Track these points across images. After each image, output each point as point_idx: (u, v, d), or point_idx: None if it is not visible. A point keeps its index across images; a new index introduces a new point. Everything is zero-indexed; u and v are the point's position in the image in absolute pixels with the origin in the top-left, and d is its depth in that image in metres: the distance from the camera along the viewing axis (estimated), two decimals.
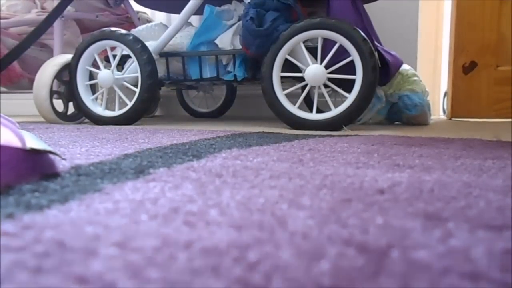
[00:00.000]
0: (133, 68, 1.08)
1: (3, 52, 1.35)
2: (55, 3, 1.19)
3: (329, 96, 0.93)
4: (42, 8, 1.46)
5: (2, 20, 1.39)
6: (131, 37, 1.06)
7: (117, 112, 1.08)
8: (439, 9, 1.62)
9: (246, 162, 0.44)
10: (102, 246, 0.20)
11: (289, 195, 0.30)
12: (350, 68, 0.89)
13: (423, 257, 0.19)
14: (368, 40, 0.88)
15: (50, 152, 0.37)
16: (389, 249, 0.20)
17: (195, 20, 1.52)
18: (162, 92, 1.66)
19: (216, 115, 1.57)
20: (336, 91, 0.92)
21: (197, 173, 0.38)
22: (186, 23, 1.13)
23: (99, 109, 1.11)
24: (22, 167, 0.34)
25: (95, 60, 1.11)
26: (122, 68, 1.13)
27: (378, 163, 0.44)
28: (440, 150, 0.55)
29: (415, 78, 1.14)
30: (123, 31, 1.08)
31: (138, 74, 1.06)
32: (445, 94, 1.58)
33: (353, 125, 0.97)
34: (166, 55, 1.12)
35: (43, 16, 1.23)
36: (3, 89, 1.59)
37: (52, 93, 1.15)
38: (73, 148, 0.55)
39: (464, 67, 1.49)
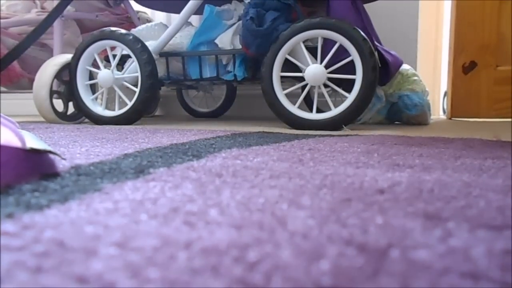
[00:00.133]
0: (133, 68, 1.08)
1: (3, 52, 1.35)
2: (55, 3, 1.19)
3: (329, 96, 0.93)
4: (42, 8, 1.46)
5: (2, 20, 1.39)
6: (131, 37, 1.06)
7: (117, 112, 1.08)
8: (439, 9, 1.62)
9: (246, 162, 0.44)
10: (102, 246, 0.20)
11: (289, 195, 0.30)
12: (350, 68, 0.89)
13: (423, 257, 0.19)
14: (368, 40, 0.88)
15: (50, 152, 0.37)
16: (389, 249, 0.20)
17: (195, 20, 1.52)
18: (162, 92, 1.66)
19: (216, 115, 1.57)
20: (336, 91, 0.92)
21: (197, 173, 0.38)
22: (186, 23, 1.13)
23: (99, 109, 1.11)
24: (22, 167, 0.34)
25: (95, 60, 1.11)
26: (122, 68, 1.13)
27: (378, 163, 0.44)
28: (440, 149, 0.55)
29: (415, 78, 1.14)
30: (123, 31, 1.08)
31: (138, 74, 1.06)
32: (445, 94, 1.58)
33: (353, 124, 0.97)
34: (166, 55, 1.12)
35: (43, 16, 1.23)
36: (3, 89, 1.59)
37: (52, 93, 1.15)
38: (73, 148, 0.55)
39: (464, 67, 1.49)
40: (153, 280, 0.16)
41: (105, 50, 1.10)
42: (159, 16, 1.72)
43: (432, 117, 1.27)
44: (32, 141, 0.36)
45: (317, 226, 0.23)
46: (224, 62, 1.11)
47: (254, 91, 1.51)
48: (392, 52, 1.05)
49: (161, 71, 1.13)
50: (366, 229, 0.23)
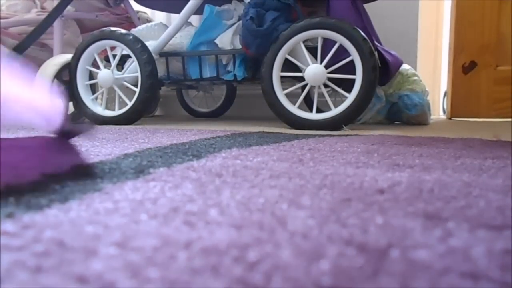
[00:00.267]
0: (133, 68, 1.08)
1: None
2: (55, 3, 1.19)
3: (329, 95, 0.93)
4: (42, 8, 1.46)
5: (2, 20, 1.39)
6: (131, 37, 1.06)
7: (117, 112, 1.08)
8: (439, 9, 1.62)
9: (246, 161, 0.44)
10: (102, 245, 0.20)
11: (289, 195, 0.30)
12: (350, 67, 0.89)
13: (423, 257, 0.19)
14: (368, 40, 0.88)
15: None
16: (389, 248, 0.20)
17: (195, 20, 1.52)
18: (162, 92, 1.66)
19: (216, 115, 1.57)
20: (336, 90, 0.92)
21: (197, 173, 0.38)
22: (186, 22, 1.13)
23: (99, 109, 1.11)
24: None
25: (95, 60, 1.11)
26: (122, 68, 1.13)
27: (378, 163, 0.44)
28: (440, 149, 0.55)
29: (415, 77, 1.14)
30: (123, 30, 1.08)
31: (138, 74, 1.06)
32: (445, 94, 1.58)
33: (353, 124, 0.97)
34: (166, 55, 1.12)
35: (43, 16, 1.23)
36: None
37: None
38: None
39: (464, 67, 1.49)
40: (153, 280, 0.16)
41: (105, 50, 1.10)
42: (159, 16, 1.71)
43: (432, 117, 1.27)
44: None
45: (317, 226, 0.23)
46: (224, 62, 1.11)
47: (254, 91, 1.51)
48: (392, 52, 1.05)
49: (161, 71, 1.13)
50: (366, 229, 0.23)
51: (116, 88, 1.09)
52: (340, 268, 0.18)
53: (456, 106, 1.51)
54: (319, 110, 0.95)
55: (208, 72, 1.12)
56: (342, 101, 0.91)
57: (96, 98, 1.14)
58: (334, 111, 0.91)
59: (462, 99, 1.50)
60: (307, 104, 1.17)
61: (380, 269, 0.18)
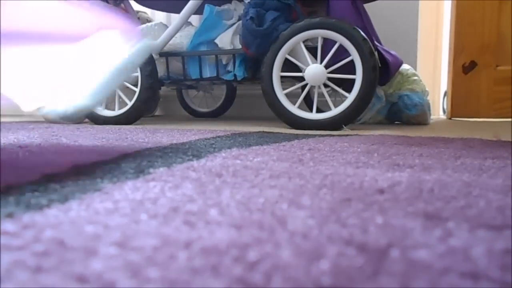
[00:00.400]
0: None
1: None
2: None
3: (329, 95, 0.93)
4: None
5: None
6: None
7: (117, 112, 1.08)
8: (439, 9, 1.62)
9: (246, 161, 0.44)
10: (102, 245, 0.20)
11: (289, 195, 0.30)
12: (350, 67, 0.89)
13: (423, 257, 0.19)
14: (368, 40, 0.88)
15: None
16: (389, 248, 0.20)
17: (195, 20, 1.52)
18: (162, 92, 1.66)
19: (216, 115, 1.57)
20: (336, 90, 0.92)
21: (197, 173, 0.38)
22: (186, 22, 1.13)
23: (99, 109, 1.11)
24: None
25: None
26: None
27: (378, 163, 0.44)
28: (440, 149, 0.55)
29: (415, 77, 1.14)
30: None
31: (138, 74, 1.06)
32: (445, 93, 1.58)
33: (353, 124, 0.97)
34: (166, 54, 1.12)
35: None
36: None
37: None
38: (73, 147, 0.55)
39: (464, 67, 1.49)
40: (153, 280, 0.16)
41: None
42: (159, 16, 1.71)
43: (432, 117, 1.27)
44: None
45: (317, 226, 0.23)
46: (224, 62, 1.11)
47: (254, 91, 1.51)
48: (392, 52, 1.05)
49: (161, 71, 1.13)
50: (366, 229, 0.23)
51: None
52: (340, 268, 0.18)
53: (456, 106, 1.51)
54: (319, 110, 0.95)
55: (208, 72, 1.12)
56: (342, 101, 0.91)
57: None
58: (334, 111, 0.91)
59: (462, 99, 1.50)
60: (307, 104, 1.17)
61: (380, 269, 0.18)
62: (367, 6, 1.05)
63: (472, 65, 1.48)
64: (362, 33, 0.88)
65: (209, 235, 0.22)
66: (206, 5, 1.10)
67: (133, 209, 0.26)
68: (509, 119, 1.38)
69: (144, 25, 1.22)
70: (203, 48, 1.11)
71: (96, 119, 1.10)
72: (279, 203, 0.28)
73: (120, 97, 1.09)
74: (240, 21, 1.03)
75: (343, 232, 0.22)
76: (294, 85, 0.97)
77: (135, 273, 0.17)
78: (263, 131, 0.82)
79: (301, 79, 0.94)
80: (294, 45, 0.92)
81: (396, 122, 1.19)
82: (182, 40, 1.13)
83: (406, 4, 1.47)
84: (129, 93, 1.10)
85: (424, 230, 0.23)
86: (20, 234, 0.21)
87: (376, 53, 0.89)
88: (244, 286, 0.16)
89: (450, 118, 1.51)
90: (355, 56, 0.88)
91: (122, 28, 0.58)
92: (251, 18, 0.93)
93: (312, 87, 0.95)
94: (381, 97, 1.11)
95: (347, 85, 0.90)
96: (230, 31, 1.08)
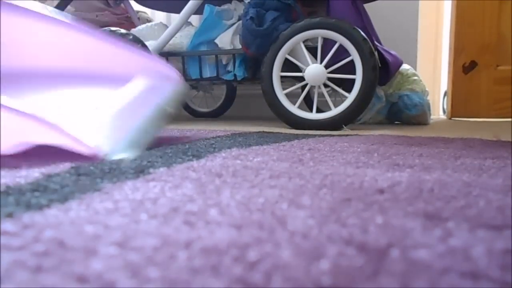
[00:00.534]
0: None
1: None
2: (55, 3, 1.19)
3: (329, 95, 0.93)
4: None
5: None
6: (131, 37, 1.06)
7: None
8: (439, 9, 1.62)
9: (246, 161, 0.44)
10: (102, 245, 0.20)
11: (289, 195, 0.30)
12: (350, 67, 0.89)
13: (423, 257, 0.19)
14: (368, 40, 0.88)
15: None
16: (389, 248, 0.20)
17: (195, 19, 1.52)
18: None
19: (216, 115, 1.57)
20: (336, 90, 0.92)
21: (197, 173, 0.38)
22: (186, 22, 1.13)
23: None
24: None
25: None
26: None
27: (378, 163, 0.44)
28: (440, 149, 0.55)
29: (415, 77, 1.14)
30: (123, 30, 1.08)
31: None
32: (445, 93, 1.58)
33: (353, 124, 0.97)
34: (166, 54, 1.12)
35: None
36: None
37: None
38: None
39: (464, 67, 1.49)
40: (153, 280, 0.16)
41: None
42: (159, 16, 1.71)
43: (432, 117, 1.27)
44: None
45: (317, 226, 0.23)
46: (224, 62, 1.11)
47: (254, 91, 1.51)
48: (392, 52, 1.05)
49: None
50: (366, 229, 0.23)
51: None
52: (340, 268, 0.18)
53: (456, 106, 1.51)
54: (319, 110, 0.95)
55: (208, 72, 1.12)
56: (342, 101, 0.91)
57: None
58: (334, 111, 0.91)
59: (462, 99, 1.50)
60: (307, 104, 1.17)
61: (380, 269, 0.18)
62: (367, 6, 1.05)
63: (472, 65, 1.48)
64: (362, 33, 0.88)
65: (209, 235, 0.22)
66: (206, 5, 1.10)
67: (133, 209, 0.26)
68: (509, 119, 1.38)
69: (144, 25, 1.22)
70: (203, 48, 1.11)
71: None
72: (279, 203, 0.28)
73: None
74: (240, 21, 1.03)
75: (343, 232, 0.22)
76: (294, 85, 0.97)
77: (135, 273, 0.17)
78: (263, 131, 0.82)
79: (301, 79, 0.94)
80: (294, 45, 0.92)
81: (396, 122, 1.19)
82: (182, 40, 1.13)
83: (406, 4, 1.47)
84: None
85: (424, 230, 0.23)
86: (20, 234, 0.21)
87: (376, 53, 0.89)
88: (244, 286, 0.16)
89: (450, 118, 1.51)
90: (355, 56, 0.88)
91: (160, 70, 0.61)
92: (251, 18, 0.93)
93: (312, 87, 0.95)
94: (381, 97, 1.11)
95: (347, 85, 0.90)
96: (230, 31, 1.08)
